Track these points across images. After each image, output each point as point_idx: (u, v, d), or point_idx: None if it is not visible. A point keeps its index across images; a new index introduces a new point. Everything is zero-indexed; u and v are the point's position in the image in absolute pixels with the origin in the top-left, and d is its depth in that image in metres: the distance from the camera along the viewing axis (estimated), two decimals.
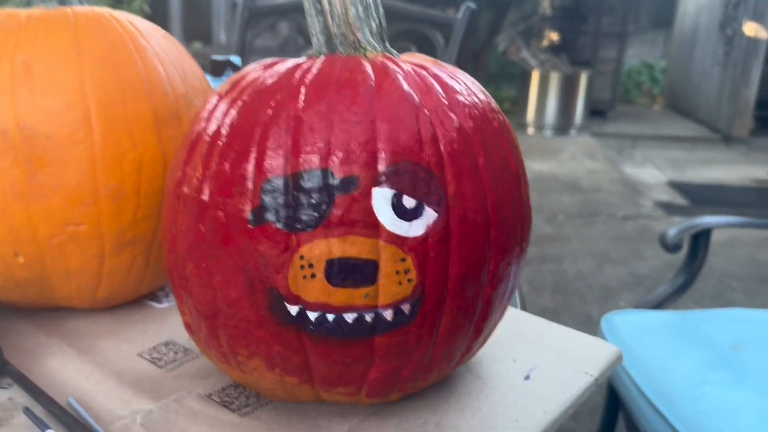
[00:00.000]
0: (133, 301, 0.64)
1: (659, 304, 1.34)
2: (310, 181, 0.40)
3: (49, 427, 0.45)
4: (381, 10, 0.49)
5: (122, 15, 0.59)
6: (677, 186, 4.19)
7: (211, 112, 0.45)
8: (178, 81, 0.58)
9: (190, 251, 0.43)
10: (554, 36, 5.88)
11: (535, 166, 4.57)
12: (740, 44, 5.42)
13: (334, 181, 0.40)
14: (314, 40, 0.49)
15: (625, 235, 3.27)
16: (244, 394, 0.51)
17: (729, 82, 5.57)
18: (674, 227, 1.34)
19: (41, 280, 0.56)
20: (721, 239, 3.07)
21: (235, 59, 0.78)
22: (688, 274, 1.35)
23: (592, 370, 0.55)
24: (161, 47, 0.59)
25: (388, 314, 0.41)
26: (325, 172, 0.40)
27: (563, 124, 5.68)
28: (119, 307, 0.63)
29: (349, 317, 0.41)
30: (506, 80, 6.51)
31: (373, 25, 0.49)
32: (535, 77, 5.68)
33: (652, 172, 4.54)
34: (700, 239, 1.35)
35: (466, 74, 0.49)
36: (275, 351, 0.43)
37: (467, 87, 0.46)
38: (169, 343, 0.57)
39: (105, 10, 0.58)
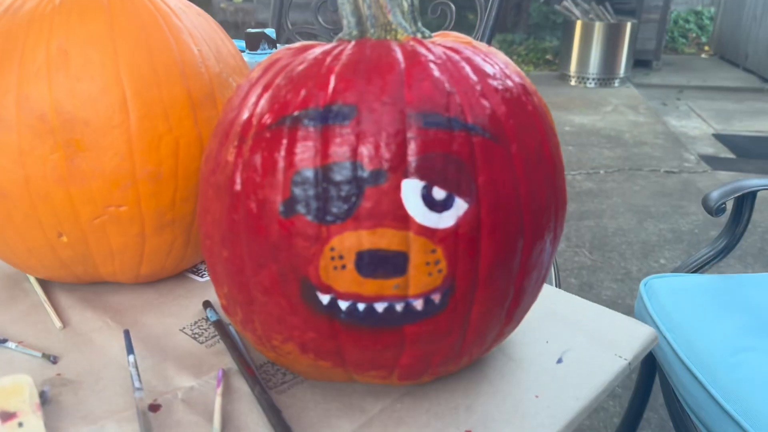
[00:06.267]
0: (175, 274, 0.66)
1: (700, 268, 1.32)
2: (340, 174, 0.40)
3: None
4: None
5: None
6: (723, 138, 4.07)
7: (243, 99, 0.45)
8: (212, 60, 0.58)
9: (224, 239, 0.44)
10: None
11: (576, 119, 4.48)
12: None
13: (364, 173, 0.40)
14: (345, 22, 0.48)
15: (667, 190, 3.21)
16: (281, 371, 0.52)
17: None
18: (717, 190, 1.31)
19: (85, 258, 0.57)
20: (766, 195, 2.99)
21: (270, 32, 0.78)
22: (730, 237, 1.32)
23: (625, 353, 0.55)
24: (194, 25, 0.59)
25: (418, 304, 0.42)
26: (355, 164, 0.40)
27: (606, 75, 5.52)
28: (162, 281, 0.65)
29: (380, 307, 0.41)
30: (549, 30, 6.34)
31: (405, 4, 0.48)
32: (578, 27, 5.51)
33: (698, 124, 4.41)
34: (745, 201, 1.32)
35: (501, 54, 0.48)
36: (308, 337, 0.44)
37: (501, 70, 0.45)
38: (209, 320, 0.59)
39: None
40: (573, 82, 5.55)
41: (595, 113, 4.67)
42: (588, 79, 5.52)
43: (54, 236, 0.55)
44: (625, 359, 0.54)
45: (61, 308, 0.60)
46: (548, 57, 6.22)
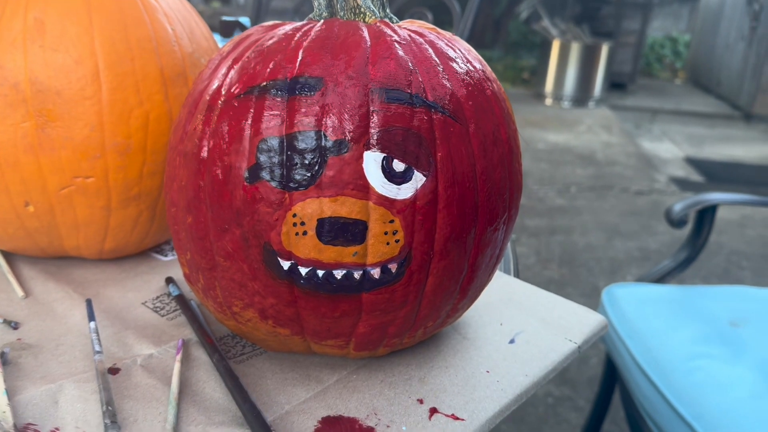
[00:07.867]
0: (139, 253, 0.66)
1: (661, 278, 1.35)
2: (304, 143, 0.41)
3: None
4: None
5: None
6: (694, 162, 4.16)
7: (213, 71, 0.47)
8: (185, 40, 0.60)
9: (189, 205, 0.45)
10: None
11: (550, 137, 4.55)
12: (767, 19, 5.31)
13: (327, 143, 0.41)
14: (315, 3, 0.50)
15: (637, 210, 3.27)
16: (241, 343, 0.53)
17: (753, 58, 5.47)
18: (680, 202, 1.35)
19: (51, 229, 0.58)
20: (733, 218, 3.06)
21: (244, 20, 0.79)
22: (691, 250, 1.36)
23: (576, 337, 0.57)
24: (170, 6, 0.60)
25: (375, 272, 0.43)
26: (319, 134, 0.41)
27: (582, 96, 5.63)
28: (126, 258, 0.65)
29: (338, 274, 0.43)
30: (526, 49, 6.44)
31: None
32: (555, 47, 5.61)
33: (669, 148, 4.50)
34: (706, 215, 1.35)
35: (464, 42, 0.50)
36: (268, 303, 0.45)
37: (463, 55, 0.47)
38: (172, 294, 0.60)
39: None
40: (548, 101, 5.63)
41: (569, 132, 4.74)
42: (563, 98, 5.61)
43: (21, 205, 0.56)
44: (575, 343, 0.56)
45: (24, 279, 0.61)
46: (525, 76, 6.31)
